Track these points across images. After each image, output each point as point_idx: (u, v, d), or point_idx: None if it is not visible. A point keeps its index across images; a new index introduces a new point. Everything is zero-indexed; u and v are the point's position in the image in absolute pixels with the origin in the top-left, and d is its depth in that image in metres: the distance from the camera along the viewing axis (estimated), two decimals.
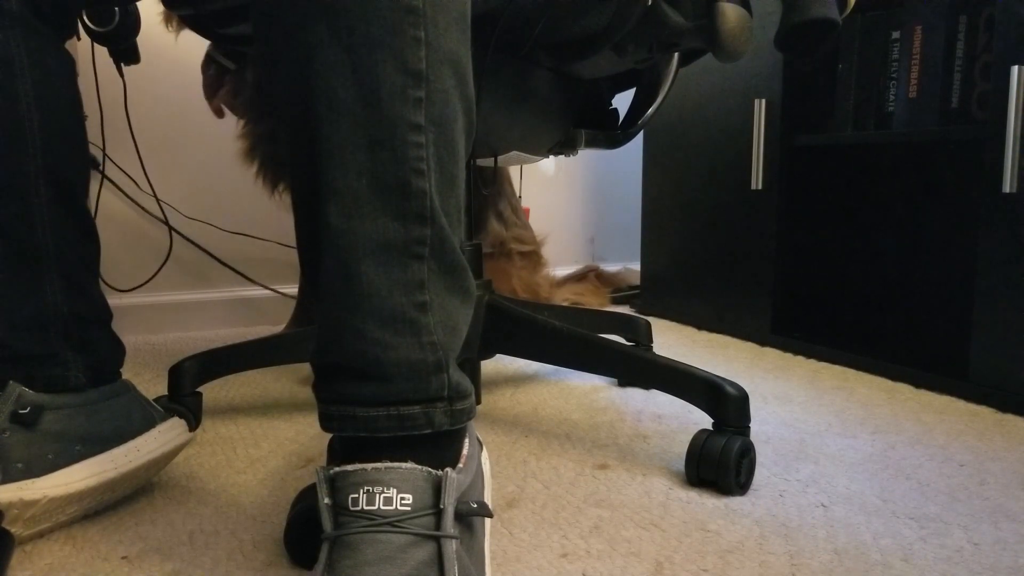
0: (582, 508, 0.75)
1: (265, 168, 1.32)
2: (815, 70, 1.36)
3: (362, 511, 0.47)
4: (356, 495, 0.48)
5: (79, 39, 0.98)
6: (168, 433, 0.76)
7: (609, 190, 2.05)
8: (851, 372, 1.25)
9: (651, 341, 1.22)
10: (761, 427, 0.98)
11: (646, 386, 1.15)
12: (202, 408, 0.97)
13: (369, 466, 0.48)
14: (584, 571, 0.63)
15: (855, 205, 1.50)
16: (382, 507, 0.47)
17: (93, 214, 1.46)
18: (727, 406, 0.80)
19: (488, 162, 1.01)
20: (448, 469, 0.49)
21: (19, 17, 0.66)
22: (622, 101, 1.10)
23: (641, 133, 1.72)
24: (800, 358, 1.34)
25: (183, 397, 0.93)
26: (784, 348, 1.39)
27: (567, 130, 1.01)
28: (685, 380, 0.85)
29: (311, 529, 0.64)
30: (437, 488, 0.49)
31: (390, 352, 0.49)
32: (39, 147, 0.68)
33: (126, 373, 0.79)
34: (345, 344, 0.49)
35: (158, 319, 1.58)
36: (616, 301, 1.90)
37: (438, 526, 0.48)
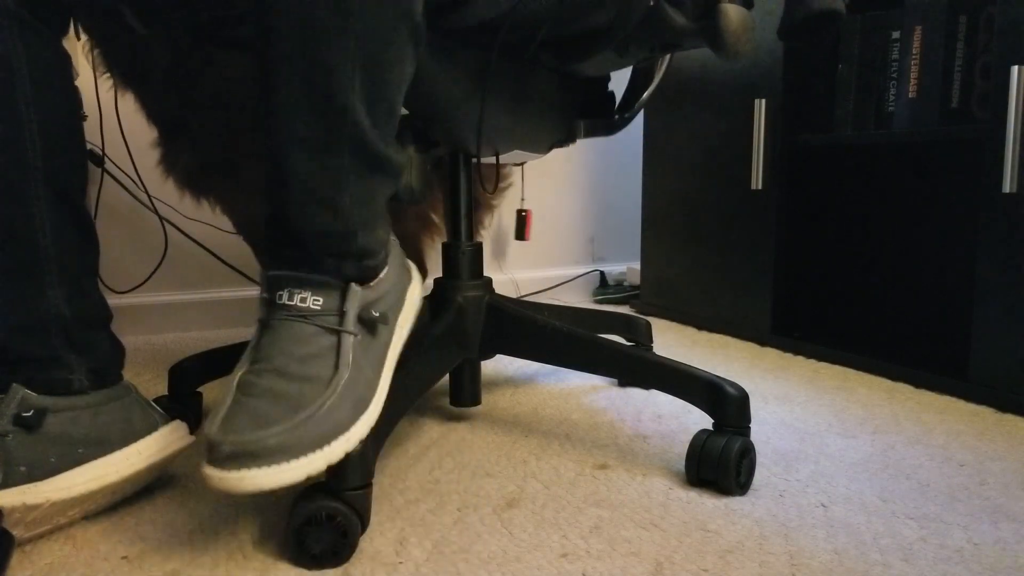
0: (582, 508, 0.75)
1: (188, 183, 1.22)
2: (815, 70, 1.36)
3: (283, 305, 0.64)
4: (282, 292, 0.64)
5: (78, 38, 0.97)
6: (169, 436, 0.76)
7: (609, 190, 2.05)
8: (851, 372, 1.25)
9: (651, 341, 1.22)
10: (761, 427, 0.98)
11: (646, 386, 1.15)
12: (202, 408, 0.97)
13: (295, 274, 0.65)
14: (584, 571, 0.63)
15: (855, 205, 1.50)
16: (299, 304, 0.64)
17: (93, 213, 1.46)
18: (727, 406, 0.80)
19: (491, 160, 1.01)
20: (353, 284, 0.66)
21: (16, 15, 0.66)
22: (618, 87, 1.09)
23: (641, 134, 1.72)
24: (800, 358, 1.34)
25: (183, 397, 0.93)
26: (784, 348, 1.39)
27: (569, 127, 1.01)
28: (685, 380, 0.85)
29: (312, 529, 0.64)
30: (344, 297, 0.66)
31: (311, 222, 0.64)
32: (38, 148, 0.68)
33: (126, 373, 0.79)
34: (287, 217, 0.64)
35: (158, 319, 1.58)
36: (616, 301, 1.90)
37: (340, 324, 0.65)
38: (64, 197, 0.71)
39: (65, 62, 0.72)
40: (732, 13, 0.78)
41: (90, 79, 1.22)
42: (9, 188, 0.67)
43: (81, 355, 0.72)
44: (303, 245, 0.65)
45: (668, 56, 1.02)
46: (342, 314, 0.65)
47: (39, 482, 0.65)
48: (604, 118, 1.04)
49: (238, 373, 0.65)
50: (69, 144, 0.72)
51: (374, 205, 0.68)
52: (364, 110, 0.62)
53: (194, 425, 0.94)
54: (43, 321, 0.70)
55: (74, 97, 0.73)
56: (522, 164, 1.49)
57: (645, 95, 1.03)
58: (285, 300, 0.64)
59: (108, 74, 1.08)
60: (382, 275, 0.71)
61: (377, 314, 0.68)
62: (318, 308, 0.65)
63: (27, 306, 0.69)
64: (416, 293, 0.81)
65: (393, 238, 0.78)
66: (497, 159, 1.04)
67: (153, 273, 1.53)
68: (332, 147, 0.63)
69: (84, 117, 1.35)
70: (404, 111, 0.83)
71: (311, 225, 0.65)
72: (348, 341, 0.65)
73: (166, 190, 1.52)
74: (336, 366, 0.64)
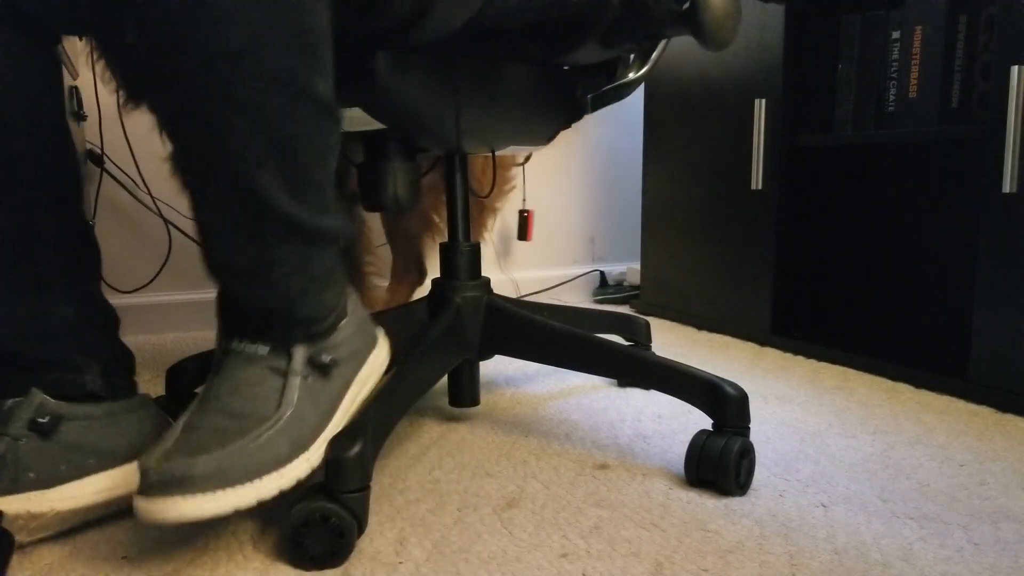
0: (582, 508, 0.75)
1: None
2: (815, 70, 1.36)
3: (234, 350, 0.68)
4: (233, 340, 0.68)
5: (80, 39, 0.97)
6: None
7: (609, 190, 2.05)
8: (851, 372, 1.24)
9: (650, 341, 1.22)
10: (761, 427, 0.98)
11: (646, 386, 1.15)
12: None
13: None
14: (584, 571, 0.63)
15: (855, 205, 1.50)
16: (247, 349, 0.67)
17: (92, 213, 1.46)
18: (727, 407, 0.80)
19: (488, 162, 1.00)
20: (298, 344, 0.68)
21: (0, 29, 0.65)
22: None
23: (641, 134, 1.72)
24: (800, 358, 1.34)
25: (181, 398, 0.93)
26: (784, 348, 1.39)
27: (569, 113, 1.00)
28: (685, 380, 0.85)
29: (308, 531, 0.64)
30: (291, 344, 0.68)
31: (248, 298, 0.67)
32: (30, 155, 0.68)
33: None
34: (227, 292, 0.68)
35: (158, 319, 1.58)
36: (615, 301, 1.91)
37: (288, 365, 0.67)
38: (60, 203, 0.71)
39: (56, 72, 0.71)
40: (715, 1, 0.78)
41: (90, 79, 1.22)
42: (3, 198, 0.67)
43: (90, 358, 0.71)
44: (245, 315, 0.68)
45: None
46: (290, 357, 0.68)
47: (46, 490, 0.65)
48: (611, 86, 1.01)
49: (186, 414, 0.65)
50: (61, 151, 0.72)
51: (311, 274, 0.68)
52: (283, 188, 0.63)
53: None
54: (50, 326, 0.70)
55: (63, 106, 0.73)
56: (524, 161, 1.49)
57: (655, 54, 1.01)
58: (234, 347, 0.68)
59: (112, 78, 1.08)
60: (337, 332, 0.72)
61: (329, 359, 0.70)
62: (266, 353, 0.67)
63: (33, 312, 0.69)
64: (382, 358, 0.81)
65: (354, 296, 0.78)
66: (493, 158, 1.04)
67: (158, 274, 1.54)
68: (252, 228, 0.63)
69: (84, 117, 1.36)
70: (381, 125, 0.83)
71: (245, 300, 0.67)
72: (294, 382, 0.67)
73: (167, 190, 1.52)
74: (279, 404, 0.65)
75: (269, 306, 0.67)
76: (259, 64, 0.58)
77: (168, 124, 0.62)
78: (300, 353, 0.68)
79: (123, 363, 0.76)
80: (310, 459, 0.66)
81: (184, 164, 0.63)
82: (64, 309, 0.70)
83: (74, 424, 0.68)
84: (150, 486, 0.59)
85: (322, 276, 0.70)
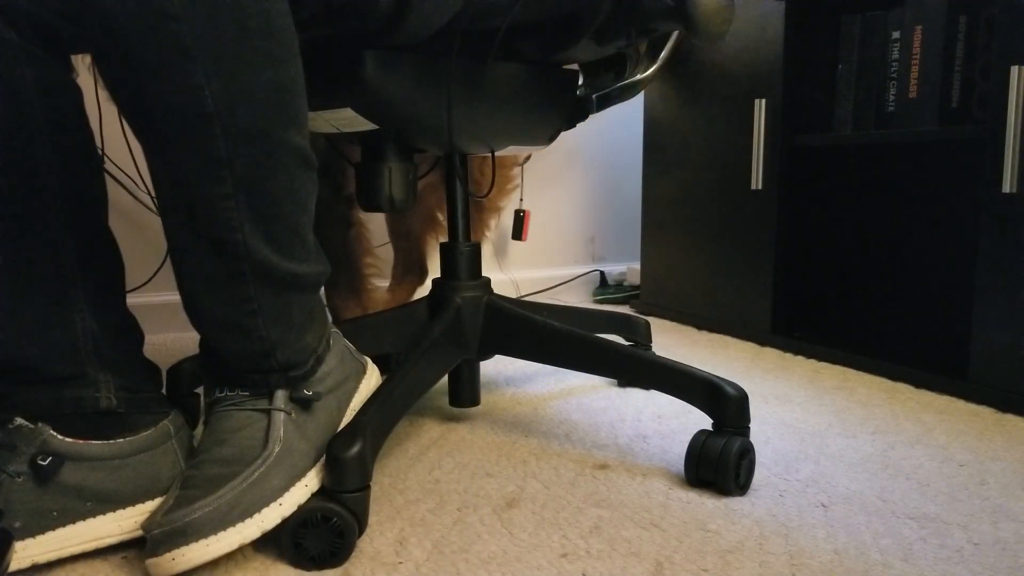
0: (582, 508, 0.75)
1: None
2: (815, 70, 1.36)
3: (217, 398, 0.70)
4: (217, 390, 0.70)
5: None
6: None
7: (609, 190, 2.05)
8: (851, 372, 1.24)
9: (650, 341, 1.22)
10: (761, 427, 0.98)
11: (646, 386, 1.15)
12: (200, 410, 0.97)
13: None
14: (584, 571, 0.63)
15: (855, 205, 1.50)
16: (228, 396, 0.69)
17: None
18: (727, 406, 0.80)
19: (487, 162, 1.00)
20: (279, 390, 0.70)
21: (24, 49, 0.65)
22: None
23: (641, 134, 1.72)
24: (800, 358, 1.34)
25: (181, 398, 0.93)
26: (784, 348, 1.39)
27: (572, 119, 0.99)
28: (685, 380, 0.85)
29: (308, 531, 0.64)
30: (273, 389, 0.70)
31: (228, 346, 0.68)
32: (54, 168, 0.66)
33: None
34: (207, 341, 0.70)
35: (158, 319, 1.58)
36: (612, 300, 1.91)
37: (270, 404, 0.69)
38: (84, 215, 0.69)
39: (76, 89, 0.70)
40: None
41: (90, 79, 1.22)
42: (25, 207, 0.66)
43: (110, 371, 0.70)
44: (226, 364, 0.69)
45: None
46: (271, 397, 0.69)
47: (30, 539, 0.63)
48: (617, 85, 1.01)
49: (182, 474, 0.68)
50: (85, 159, 0.70)
51: (291, 320, 0.69)
52: (262, 239, 0.64)
53: (191, 426, 0.93)
54: (71, 338, 0.68)
55: (86, 113, 0.72)
56: (524, 161, 1.49)
57: (664, 53, 1.00)
58: (217, 395, 0.70)
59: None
60: (318, 372, 0.73)
61: (311, 393, 0.71)
62: (247, 394, 0.69)
63: (53, 324, 0.67)
64: (372, 384, 0.82)
65: (335, 331, 0.80)
66: (493, 158, 1.04)
67: (156, 273, 1.53)
68: (232, 278, 0.65)
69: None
70: (374, 126, 0.83)
71: (226, 349, 0.68)
72: (278, 418, 0.68)
73: None
74: (266, 442, 0.66)
75: (249, 353, 0.68)
76: (235, 122, 0.59)
77: (149, 168, 0.63)
78: (281, 393, 0.69)
79: (148, 377, 0.74)
80: (308, 485, 0.67)
81: (163, 212, 0.64)
82: (87, 321, 0.69)
83: (78, 465, 0.65)
84: (156, 545, 0.60)
85: (302, 321, 0.71)
